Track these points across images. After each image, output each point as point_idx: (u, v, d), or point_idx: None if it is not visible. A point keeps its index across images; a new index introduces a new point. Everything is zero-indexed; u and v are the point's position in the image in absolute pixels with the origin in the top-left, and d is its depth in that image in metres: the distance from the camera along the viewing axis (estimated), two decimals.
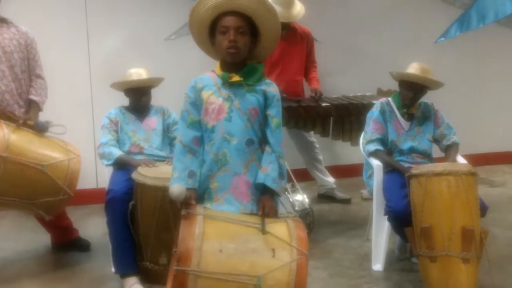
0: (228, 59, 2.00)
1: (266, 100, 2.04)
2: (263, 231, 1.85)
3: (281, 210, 2.14)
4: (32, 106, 2.93)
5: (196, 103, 2.04)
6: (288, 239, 1.85)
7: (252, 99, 2.01)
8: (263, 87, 2.04)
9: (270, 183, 1.97)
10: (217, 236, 1.82)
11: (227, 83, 2.01)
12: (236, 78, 1.99)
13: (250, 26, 1.97)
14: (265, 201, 1.98)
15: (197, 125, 2.04)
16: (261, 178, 1.98)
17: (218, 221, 1.88)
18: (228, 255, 1.78)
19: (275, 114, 2.04)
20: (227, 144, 1.99)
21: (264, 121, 2.05)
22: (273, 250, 1.81)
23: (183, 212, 1.87)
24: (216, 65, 2.09)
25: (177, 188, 1.88)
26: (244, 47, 1.97)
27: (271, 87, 2.06)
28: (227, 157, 1.99)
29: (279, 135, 2.04)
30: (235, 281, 1.74)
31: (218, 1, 1.92)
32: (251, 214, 1.98)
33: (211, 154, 2.01)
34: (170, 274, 1.98)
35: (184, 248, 1.77)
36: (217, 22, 1.97)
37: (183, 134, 2.04)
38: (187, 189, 1.94)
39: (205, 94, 2.02)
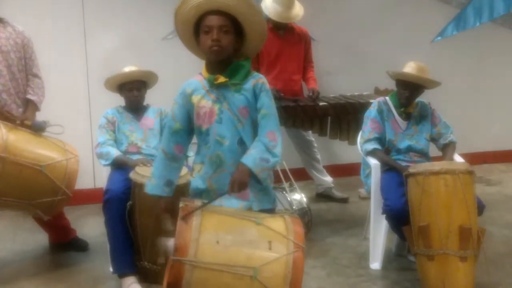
0: (211, 57, 1.98)
1: (255, 95, 2.01)
2: (256, 216, 1.85)
3: (279, 207, 2.14)
4: (29, 106, 2.93)
5: (185, 108, 2.03)
6: (285, 233, 1.85)
7: (241, 98, 1.99)
8: (250, 82, 2.01)
9: (246, 161, 1.90)
10: (214, 228, 1.82)
11: (214, 85, 2.00)
12: (221, 79, 1.97)
13: (234, 25, 1.95)
14: (234, 178, 1.89)
15: (181, 133, 2.04)
16: (242, 158, 1.93)
17: (216, 213, 1.88)
18: (224, 247, 1.78)
19: (261, 105, 2.00)
20: (219, 146, 1.99)
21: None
22: (270, 242, 1.81)
23: (181, 204, 1.88)
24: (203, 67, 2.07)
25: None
26: (228, 46, 1.95)
27: (258, 79, 2.02)
28: (221, 159, 1.99)
29: (267, 125, 1.98)
30: (232, 272, 1.74)
31: (201, 1, 1.90)
32: (249, 209, 1.98)
33: (207, 157, 2.02)
34: (166, 273, 1.99)
35: (181, 239, 1.76)
36: (201, 22, 1.95)
37: (165, 141, 2.04)
38: (162, 197, 1.99)
39: (195, 99, 2.01)
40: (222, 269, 1.73)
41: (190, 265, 1.72)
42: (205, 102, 2.00)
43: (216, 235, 1.80)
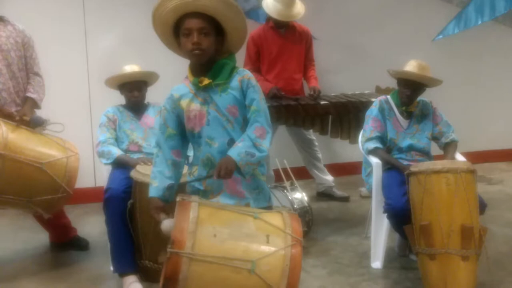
0: (193, 61, 1.97)
1: (243, 92, 1.98)
2: (254, 211, 1.84)
3: (278, 205, 2.12)
4: (28, 102, 2.91)
5: (175, 113, 2.02)
6: (283, 227, 1.84)
7: (228, 97, 1.97)
8: (236, 79, 1.99)
9: (232, 153, 1.89)
10: (211, 221, 1.81)
11: (200, 88, 1.98)
12: (206, 81, 1.95)
13: (214, 26, 1.92)
14: (221, 163, 1.88)
15: (175, 137, 2.03)
16: (228, 151, 1.93)
17: (213, 208, 1.88)
18: (222, 240, 1.76)
19: (250, 102, 1.98)
20: (209, 148, 1.98)
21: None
22: (267, 236, 1.80)
23: (178, 198, 1.87)
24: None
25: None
26: (209, 48, 1.92)
27: (243, 75, 1.99)
28: (212, 160, 1.98)
29: (255, 121, 1.95)
30: (229, 265, 1.72)
31: (178, 3, 1.87)
32: (247, 205, 1.98)
33: (200, 159, 2.02)
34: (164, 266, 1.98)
35: (178, 231, 1.74)
36: (180, 24, 1.92)
37: (163, 147, 2.02)
38: (162, 201, 1.96)
39: (183, 103, 2.00)
40: (220, 262, 1.71)
41: (187, 258, 1.70)
42: (194, 106, 1.99)
43: (213, 228, 1.78)
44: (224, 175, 1.86)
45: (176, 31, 1.96)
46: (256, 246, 1.77)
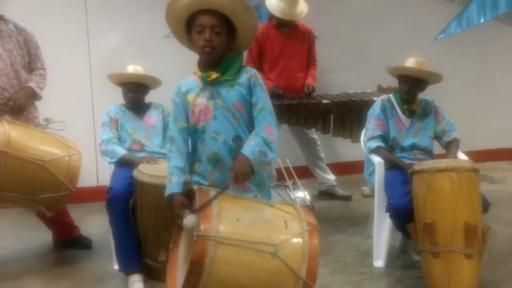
0: (204, 58, 2.00)
1: (250, 89, 2.02)
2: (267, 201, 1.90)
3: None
4: (24, 89, 2.89)
5: (184, 107, 2.04)
6: (297, 214, 1.89)
7: (236, 93, 2.00)
8: (244, 77, 2.02)
9: (246, 151, 1.92)
10: (232, 207, 1.84)
11: (208, 82, 2.00)
12: (214, 75, 1.98)
13: (226, 23, 1.96)
14: (237, 165, 1.90)
15: (186, 130, 2.05)
16: (242, 149, 1.95)
17: (230, 196, 1.90)
18: (244, 224, 1.78)
19: (256, 100, 2.01)
20: (215, 142, 2.00)
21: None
22: (285, 222, 1.84)
23: (195, 186, 1.90)
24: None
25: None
26: (220, 45, 1.95)
27: (251, 73, 2.04)
28: (218, 155, 2.00)
29: (264, 119, 1.99)
30: (254, 249, 1.74)
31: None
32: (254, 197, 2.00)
33: (204, 154, 2.03)
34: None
35: (203, 215, 1.75)
36: (193, 20, 1.95)
37: (176, 140, 2.04)
38: (180, 194, 1.96)
39: (190, 97, 2.03)
40: (245, 246, 1.73)
41: (214, 241, 1.71)
42: (200, 100, 2.01)
43: (235, 213, 1.81)
44: (241, 181, 1.89)
45: (188, 26, 1.98)
46: (277, 231, 1.81)
